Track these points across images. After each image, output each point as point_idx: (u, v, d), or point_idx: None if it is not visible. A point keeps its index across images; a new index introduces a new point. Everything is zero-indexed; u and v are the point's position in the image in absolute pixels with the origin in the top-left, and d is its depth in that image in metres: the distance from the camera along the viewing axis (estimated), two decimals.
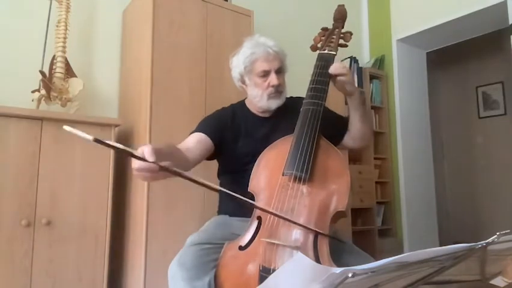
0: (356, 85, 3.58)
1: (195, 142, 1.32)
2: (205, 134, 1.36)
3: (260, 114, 1.45)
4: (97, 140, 0.79)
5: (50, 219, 1.82)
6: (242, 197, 1.00)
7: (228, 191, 0.97)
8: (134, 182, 2.17)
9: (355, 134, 1.42)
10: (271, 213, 1.10)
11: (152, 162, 0.88)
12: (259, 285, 0.58)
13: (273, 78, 1.36)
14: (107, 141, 0.80)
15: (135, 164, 0.91)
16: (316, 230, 1.07)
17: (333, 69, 1.27)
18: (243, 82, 1.43)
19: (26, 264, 1.75)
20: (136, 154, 0.89)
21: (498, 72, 4.60)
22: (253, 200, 1.20)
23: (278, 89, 1.37)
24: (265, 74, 1.36)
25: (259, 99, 1.39)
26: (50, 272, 1.80)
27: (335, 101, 3.04)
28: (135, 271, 2.05)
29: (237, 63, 1.41)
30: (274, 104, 1.39)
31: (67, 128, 0.83)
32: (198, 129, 1.39)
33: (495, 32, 3.65)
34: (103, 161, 2.01)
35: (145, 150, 0.90)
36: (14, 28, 2.21)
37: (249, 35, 2.51)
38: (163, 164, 0.90)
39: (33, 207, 1.79)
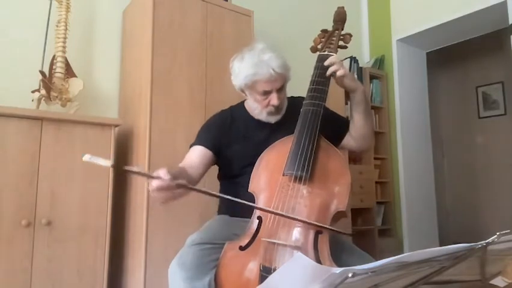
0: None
1: (197, 157, 1.36)
2: (205, 146, 1.39)
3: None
4: (114, 166, 0.94)
5: (50, 219, 1.82)
6: (244, 201, 1.08)
7: (233, 198, 1.07)
8: (134, 182, 2.18)
9: (356, 133, 1.40)
10: (273, 212, 1.11)
11: (168, 179, 0.97)
12: (260, 285, 0.58)
13: (273, 98, 1.32)
14: (126, 168, 0.90)
15: (153, 183, 0.99)
16: (317, 223, 1.08)
17: (327, 62, 1.28)
18: (243, 92, 1.42)
19: (26, 264, 1.75)
20: (153, 175, 0.98)
21: (498, 72, 4.60)
22: (254, 202, 1.20)
23: (278, 107, 1.36)
24: (266, 93, 1.33)
25: (259, 113, 1.39)
26: (50, 272, 1.80)
27: (335, 101, 3.04)
28: (135, 271, 2.05)
29: (238, 76, 1.35)
30: (274, 119, 1.39)
31: (85, 157, 0.91)
32: (198, 142, 1.41)
33: (495, 32, 3.65)
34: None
35: (160, 171, 0.99)
36: (14, 28, 2.21)
37: (249, 35, 2.55)
38: (179, 181, 0.99)
39: (33, 207, 1.79)
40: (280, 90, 1.34)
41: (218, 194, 1.12)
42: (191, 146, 1.44)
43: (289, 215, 1.09)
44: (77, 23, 2.34)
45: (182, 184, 1.00)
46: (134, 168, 0.93)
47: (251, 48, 1.35)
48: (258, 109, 1.38)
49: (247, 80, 1.32)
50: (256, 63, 1.29)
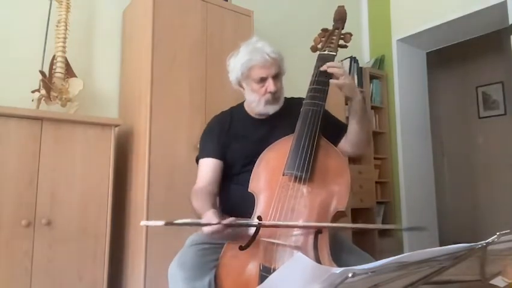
0: (356, 85, 3.58)
1: (211, 172, 1.40)
2: (214, 157, 1.41)
3: (257, 117, 1.45)
4: (168, 224, 1.01)
5: (50, 219, 1.82)
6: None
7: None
8: (134, 182, 2.18)
9: (351, 139, 1.39)
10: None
11: (218, 223, 1.05)
12: (260, 285, 0.58)
13: (270, 85, 1.34)
14: (177, 221, 1.00)
15: (205, 230, 1.08)
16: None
17: (326, 66, 1.28)
18: (240, 86, 1.44)
19: (26, 264, 1.75)
20: (203, 222, 1.08)
21: (498, 72, 4.60)
22: (253, 201, 1.20)
23: (275, 95, 1.37)
24: (262, 80, 1.35)
25: (257, 105, 1.40)
26: (50, 272, 1.80)
27: (335, 102, 3.04)
28: (135, 271, 2.05)
29: (234, 68, 1.40)
30: (272, 109, 1.39)
31: (143, 222, 1.09)
32: (205, 154, 1.43)
33: (495, 32, 3.65)
34: (103, 161, 2.01)
35: (208, 216, 1.09)
36: (14, 28, 2.21)
37: (249, 35, 2.55)
38: (225, 221, 1.06)
39: (33, 207, 1.79)
40: (276, 78, 1.36)
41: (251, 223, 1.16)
42: (197, 158, 1.47)
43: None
44: (77, 23, 2.34)
45: (230, 224, 1.06)
46: (187, 220, 1.04)
47: (245, 43, 1.41)
48: (255, 101, 1.39)
49: (243, 68, 1.36)
50: (251, 50, 1.36)
